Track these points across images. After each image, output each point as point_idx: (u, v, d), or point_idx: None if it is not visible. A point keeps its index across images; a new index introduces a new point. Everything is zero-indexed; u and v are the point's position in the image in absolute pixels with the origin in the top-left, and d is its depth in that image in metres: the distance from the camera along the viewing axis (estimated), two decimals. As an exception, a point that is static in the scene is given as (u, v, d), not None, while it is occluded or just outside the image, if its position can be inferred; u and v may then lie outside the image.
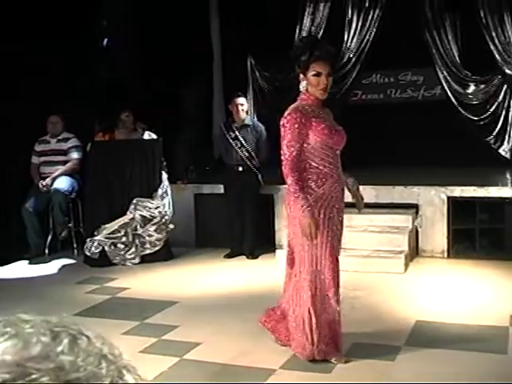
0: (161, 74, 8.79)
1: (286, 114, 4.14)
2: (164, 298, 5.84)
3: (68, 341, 0.61)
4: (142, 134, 7.77)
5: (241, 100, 7.49)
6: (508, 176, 8.30)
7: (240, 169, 7.39)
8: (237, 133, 7.41)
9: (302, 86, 4.19)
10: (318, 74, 4.07)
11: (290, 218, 4.22)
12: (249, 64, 9.99)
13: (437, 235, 7.14)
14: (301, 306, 4.16)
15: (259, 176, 7.45)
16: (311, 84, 4.12)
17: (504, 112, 8.94)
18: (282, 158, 4.10)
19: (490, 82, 8.96)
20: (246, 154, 7.37)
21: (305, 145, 4.07)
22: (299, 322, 4.18)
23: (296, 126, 4.03)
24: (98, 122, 8.11)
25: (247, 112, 7.72)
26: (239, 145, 7.38)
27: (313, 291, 4.10)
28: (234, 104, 7.45)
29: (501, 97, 8.93)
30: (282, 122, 4.13)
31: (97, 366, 0.61)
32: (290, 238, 4.32)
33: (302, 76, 4.15)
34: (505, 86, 8.90)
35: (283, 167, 4.09)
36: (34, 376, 0.58)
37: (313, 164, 4.10)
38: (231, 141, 7.41)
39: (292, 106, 4.20)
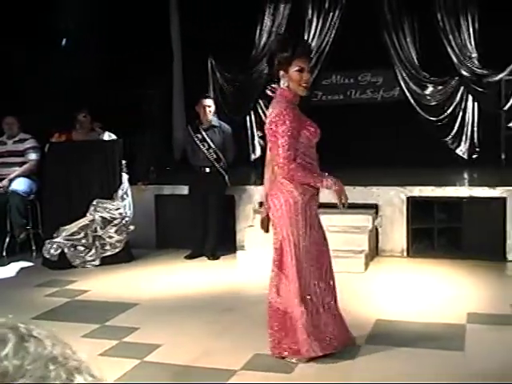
0: (120, 75, 8.71)
1: (276, 112, 4.06)
2: (124, 300, 5.79)
3: (13, 344, 0.59)
4: (102, 135, 7.67)
5: (208, 101, 7.49)
6: (465, 176, 8.45)
7: (207, 170, 7.37)
8: (204, 134, 7.39)
9: (283, 82, 4.13)
10: (301, 70, 4.06)
11: (281, 218, 4.07)
12: (209, 64, 9.97)
13: (396, 235, 7.22)
14: (294, 307, 4.07)
15: (226, 177, 7.44)
16: (293, 80, 4.07)
17: (461, 113, 9.11)
18: (282, 156, 3.98)
19: (448, 84, 9.11)
20: (214, 155, 7.35)
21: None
22: (296, 322, 4.08)
23: (292, 124, 3.98)
24: (55, 123, 7.98)
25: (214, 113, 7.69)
26: (207, 146, 7.35)
27: (305, 291, 4.04)
28: (201, 105, 7.42)
29: (458, 98, 9.09)
30: (275, 120, 4.02)
31: (44, 369, 0.58)
32: (279, 239, 4.12)
33: (282, 73, 4.08)
34: (462, 88, 9.06)
35: (284, 166, 3.99)
36: None
37: (301, 162, 4.04)
38: (198, 142, 7.38)
39: (277, 102, 4.11)
